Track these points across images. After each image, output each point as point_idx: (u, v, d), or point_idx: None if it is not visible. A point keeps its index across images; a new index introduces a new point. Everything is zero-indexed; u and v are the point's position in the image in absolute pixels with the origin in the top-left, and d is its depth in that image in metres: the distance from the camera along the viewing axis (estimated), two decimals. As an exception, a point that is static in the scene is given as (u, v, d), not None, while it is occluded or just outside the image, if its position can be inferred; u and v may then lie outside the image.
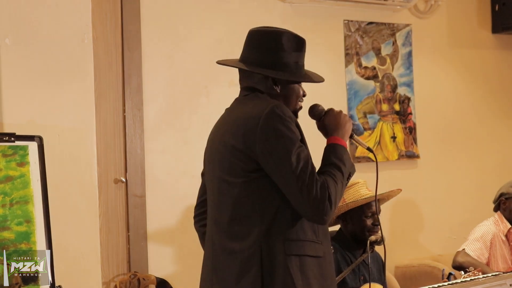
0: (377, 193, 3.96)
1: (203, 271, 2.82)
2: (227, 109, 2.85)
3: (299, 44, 2.79)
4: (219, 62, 2.90)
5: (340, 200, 2.67)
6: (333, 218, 4.05)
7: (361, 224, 3.92)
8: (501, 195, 4.81)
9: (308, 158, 2.61)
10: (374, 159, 2.91)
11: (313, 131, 2.87)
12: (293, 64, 2.77)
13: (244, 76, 2.82)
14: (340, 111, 2.83)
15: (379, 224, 3.92)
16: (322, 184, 2.58)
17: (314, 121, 2.85)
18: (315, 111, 2.85)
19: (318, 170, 2.66)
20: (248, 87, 2.80)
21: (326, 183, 2.59)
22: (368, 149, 2.89)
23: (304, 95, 2.84)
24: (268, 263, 2.62)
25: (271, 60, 2.75)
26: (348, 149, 2.79)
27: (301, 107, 2.84)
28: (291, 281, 2.61)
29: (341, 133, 2.78)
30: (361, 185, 4.02)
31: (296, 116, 2.80)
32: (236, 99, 2.84)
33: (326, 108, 2.86)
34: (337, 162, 2.69)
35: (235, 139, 2.66)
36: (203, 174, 2.95)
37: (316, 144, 2.91)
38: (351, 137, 2.86)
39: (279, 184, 2.61)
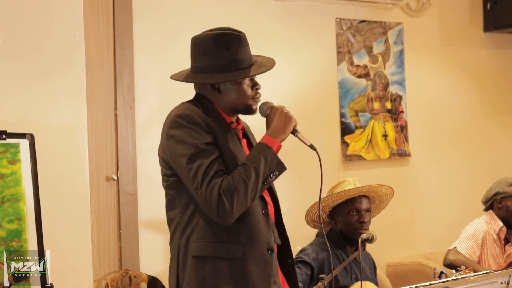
0: (364, 187, 4.01)
1: None
2: None
3: (229, 42, 2.76)
4: (172, 78, 2.95)
5: (244, 198, 2.61)
6: (326, 219, 4.05)
7: (346, 221, 3.96)
8: (496, 194, 4.76)
9: (209, 160, 2.63)
10: (318, 157, 2.76)
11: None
12: (225, 64, 2.74)
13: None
14: (279, 109, 2.79)
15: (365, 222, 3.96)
16: (215, 185, 2.59)
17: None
18: (261, 109, 2.84)
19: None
20: (196, 93, 2.88)
21: (220, 184, 2.59)
22: (311, 146, 2.76)
23: (256, 88, 2.80)
24: (182, 264, 2.73)
25: (203, 65, 2.80)
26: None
27: (255, 101, 2.81)
28: (193, 283, 2.69)
29: (272, 131, 2.75)
30: (348, 182, 4.05)
31: (252, 111, 2.81)
32: None
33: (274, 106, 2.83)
34: (248, 162, 2.65)
35: (160, 147, 2.85)
36: None
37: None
38: (294, 134, 2.78)
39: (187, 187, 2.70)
